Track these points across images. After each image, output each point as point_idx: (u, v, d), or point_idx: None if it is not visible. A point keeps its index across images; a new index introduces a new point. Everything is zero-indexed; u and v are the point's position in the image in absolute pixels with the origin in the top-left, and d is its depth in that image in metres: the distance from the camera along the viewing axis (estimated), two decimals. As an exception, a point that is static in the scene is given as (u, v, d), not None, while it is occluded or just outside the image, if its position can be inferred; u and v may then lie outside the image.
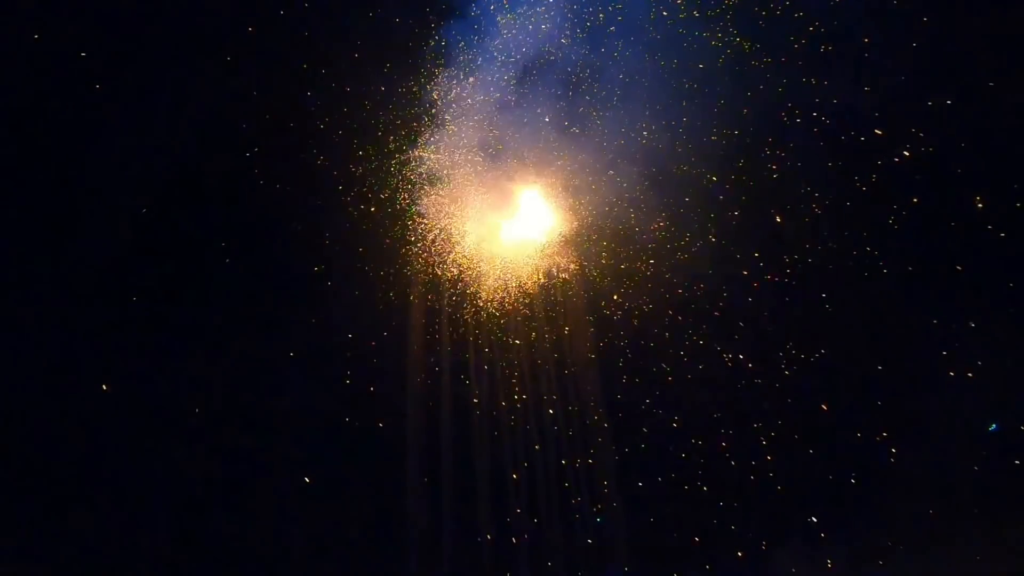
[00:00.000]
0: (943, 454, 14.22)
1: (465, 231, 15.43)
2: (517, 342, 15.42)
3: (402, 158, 15.19)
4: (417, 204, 15.29)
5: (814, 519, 14.46)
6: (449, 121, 15.10)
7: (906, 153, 14.15)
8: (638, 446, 14.98)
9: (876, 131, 14.09)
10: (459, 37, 15.11)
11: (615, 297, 15.16)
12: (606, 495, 14.86)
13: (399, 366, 15.19)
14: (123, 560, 14.18)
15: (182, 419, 14.72)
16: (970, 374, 14.15)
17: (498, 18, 15.04)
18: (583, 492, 14.90)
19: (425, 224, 15.34)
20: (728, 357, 15.03)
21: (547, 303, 15.43)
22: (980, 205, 14.03)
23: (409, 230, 15.29)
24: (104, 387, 14.26)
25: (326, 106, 14.98)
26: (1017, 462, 14.07)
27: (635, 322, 15.10)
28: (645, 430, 14.90)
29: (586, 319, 15.34)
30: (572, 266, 15.32)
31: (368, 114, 15.00)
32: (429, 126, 15.10)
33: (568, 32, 14.88)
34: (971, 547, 14.02)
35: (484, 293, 15.39)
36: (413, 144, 15.13)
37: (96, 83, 14.29)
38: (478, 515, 14.79)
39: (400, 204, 15.25)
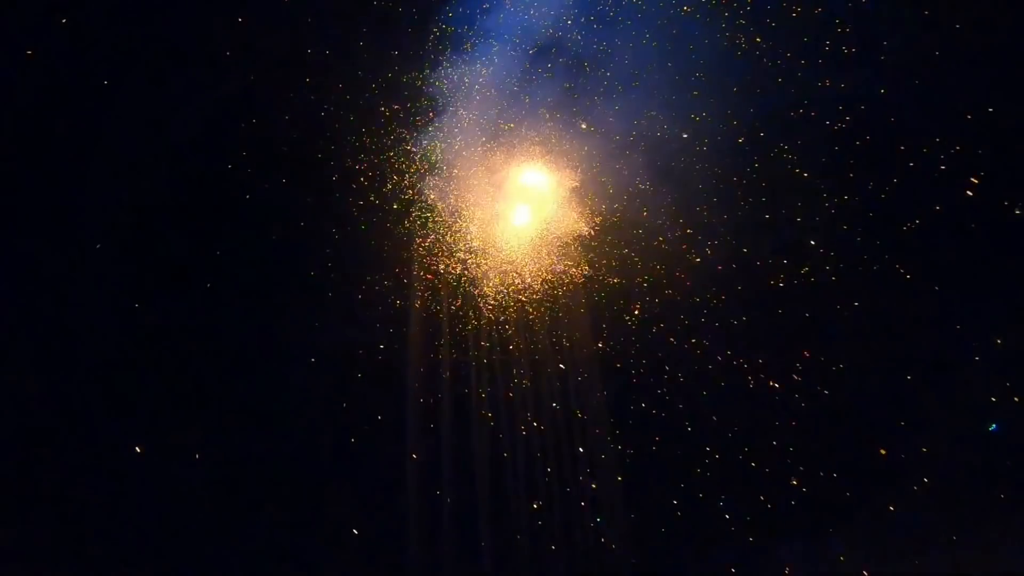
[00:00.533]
0: (951, 455, 14.20)
1: (469, 227, 15.10)
2: (523, 344, 15.24)
3: (403, 149, 14.77)
4: (421, 198, 14.92)
5: (825, 524, 14.49)
6: (454, 111, 14.68)
7: (927, 153, 13.93)
8: (647, 450, 14.89)
9: (900, 131, 13.83)
10: (463, 22, 14.67)
11: (623, 301, 14.96)
12: (611, 499, 14.84)
13: (402, 366, 15.01)
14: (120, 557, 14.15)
15: (181, 418, 14.51)
16: (985, 377, 14.10)
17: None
18: (590, 497, 14.86)
19: (430, 218, 15.00)
20: (733, 357, 14.90)
21: (554, 303, 15.21)
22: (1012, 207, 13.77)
23: (415, 225, 14.96)
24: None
25: (325, 96, 14.56)
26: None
27: (647, 323, 14.92)
28: (657, 438, 14.79)
29: (595, 320, 15.14)
30: (582, 266, 15.06)
31: (367, 104, 14.60)
32: (432, 117, 14.68)
33: (582, 18, 14.48)
34: (973, 547, 14.07)
35: (490, 292, 15.15)
36: (416, 135, 14.74)
37: (91, 75, 13.88)
38: (479, 517, 14.77)
39: (403, 197, 14.88)
